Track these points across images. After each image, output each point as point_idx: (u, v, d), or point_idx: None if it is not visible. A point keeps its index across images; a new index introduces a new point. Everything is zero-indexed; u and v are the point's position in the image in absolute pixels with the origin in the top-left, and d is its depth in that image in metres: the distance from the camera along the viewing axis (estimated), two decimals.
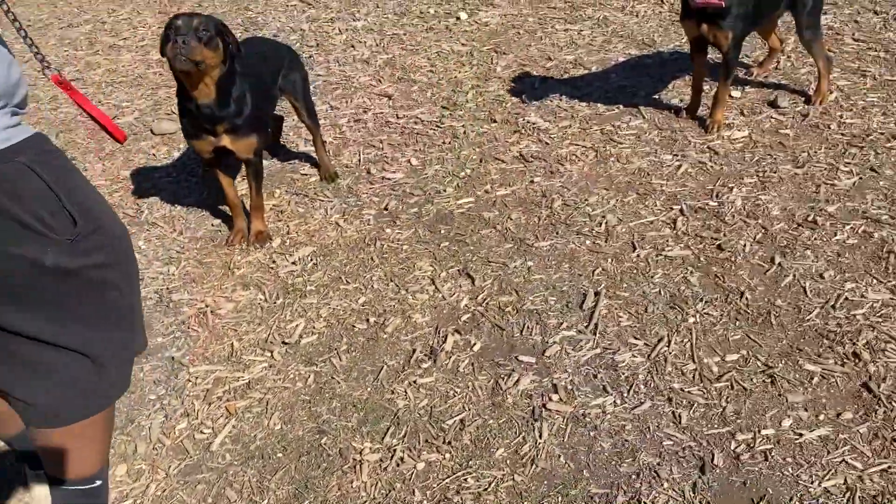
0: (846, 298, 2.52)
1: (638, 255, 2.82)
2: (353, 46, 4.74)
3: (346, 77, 4.37)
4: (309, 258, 2.97)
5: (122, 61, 4.81)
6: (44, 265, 1.30)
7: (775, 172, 3.18)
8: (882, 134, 3.34)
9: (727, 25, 3.27)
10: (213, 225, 3.22)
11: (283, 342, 2.57)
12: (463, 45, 4.64)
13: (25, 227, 1.27)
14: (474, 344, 2.50)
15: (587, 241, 2.93)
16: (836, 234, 2.80)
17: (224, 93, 2.74)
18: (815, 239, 2.80)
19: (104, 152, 3.83)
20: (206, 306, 2.75)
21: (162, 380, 2.48)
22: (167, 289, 2.86)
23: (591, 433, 2.14)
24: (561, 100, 3.92)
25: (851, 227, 2.83)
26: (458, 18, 5.01)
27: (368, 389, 2.37)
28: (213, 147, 2.85)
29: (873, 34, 4.24)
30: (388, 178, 3.43)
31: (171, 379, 2.48)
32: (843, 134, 3.38)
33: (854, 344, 2.34)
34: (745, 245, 2.81)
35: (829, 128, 3.43)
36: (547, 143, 3.58)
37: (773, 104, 3.64)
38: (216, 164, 2.97)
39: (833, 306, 2.50)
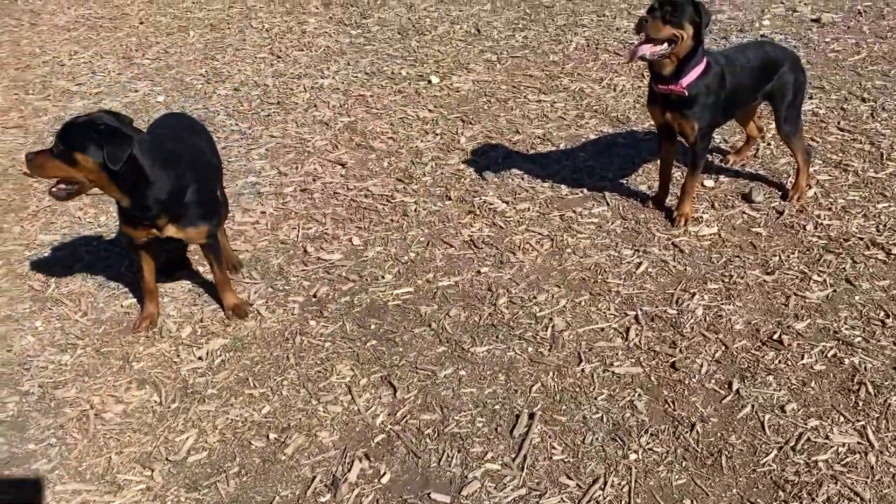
0: (808, 439, 2.22)
1: (583, 370, 2.53)
2: (315, 106, 4.50)
3: (302, 140, 4.12)
4: (218, 353, 2.67)
5: (72, 108, 4.57)
6: None
7: (742, 278, 2.90)
8: (861, 239, 3.07)
9: (693, 115, 3.02)
10: (122, 306, 2.92)
11: (168, 459, 2.26)
12: (430, 111, 4.41)
13: None
14: (383, 474, 2.19)
15: (529, 349, 2.63)
16: (802, 357, 2.52)
17: (138, 192, 2.44)
18: (780, 362, 2.50)
19: (27, 211, 3.56)
20: (92, 407, 2.44)
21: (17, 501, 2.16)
22: (54, 382, 2.56)
23: None
24: (523, 179, 3.66)
25: (820, 350, 2.54)
26: (429, 82, 4.79)
27: None
28: (152, 237, 2.58)
29: (860, 124, 4.00)
30: (325, 259, 3.15)
31: (34, 497, 2.16)
32: (819, 237, 3.11)
33: (813, 499, 2.04)
34: (701, 365, 2.52)
35: (805, 228, 3.16)
36: (501, 228, 3.31)
37: (746, 198, 3.38)
38: (147, 247, 2.68)
39: (793, 448, 2.20)
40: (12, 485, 2.17)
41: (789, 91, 3.23)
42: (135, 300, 2.94)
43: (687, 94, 2.95)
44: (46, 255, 3.25)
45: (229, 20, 5.95)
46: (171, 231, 2.56)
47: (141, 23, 5.95)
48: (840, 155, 3.70)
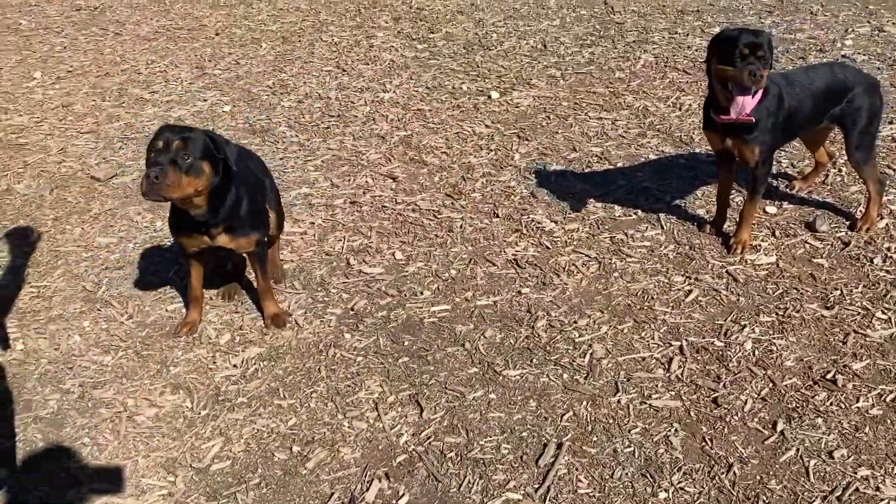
0: (856, 489, 2.06)
1: (619, 401, 2.43)
2: (373, 120, 4.53)
3: (357, 153, 4.15)
4: (253, 361, 2.69)
5: (144, 116, 4.74)
6: None
7: (798, 312, 2.73)
8: None
9: (754, 140, 2.88)
10: (167, 311, 2.98)
11: (192, 466, 2.27)
12: (486, 126, 4.37)
13: None
14: (402, 496, 2.15)
15: (564, 375, 2.55)
16: (857, 400, 2.35)
17: (218, 202, 2.54)
18: (832, 404, 2.34)
19: (89, 214, 3.69)
20: (125, 409, 2.49)
21: (51, 494, 2.22)
22: (94, 383, 2.62)
23: None
24: (574, 197, 3.57)
25: (878, 394, 2.37)
26: (489, 97, 4.75)
27: None
28: (205, 245, 2.66)
29: None
30: (366, 273, 3.14)
31: (61, 493, 2.21)
32: (887, 271, 2.91)
33: None
34: (746, 402, 2.38)
35: (872, 262, 2.96)
36: (548, 248, 3.23)
37: (810, 226, 3.20)
38: (199, 256, 2.76)
39: (839, 498, 2.05)
40: (99, 472, 2.24)
41: (862, 116, 3.04)
42: (180, 305, 3.00)
43: (753, 120, 2.81)
44: (102, 257, 3.35)
45: (301, 33, 6.07)
46: (222, 240, 2.62)
47: (217, 34, 6.14)
48: None
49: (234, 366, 2.67)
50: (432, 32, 5.92)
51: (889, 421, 2.28)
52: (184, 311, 2.95)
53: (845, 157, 3.31)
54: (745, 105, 2.71)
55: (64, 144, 4.42)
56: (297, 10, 6.57)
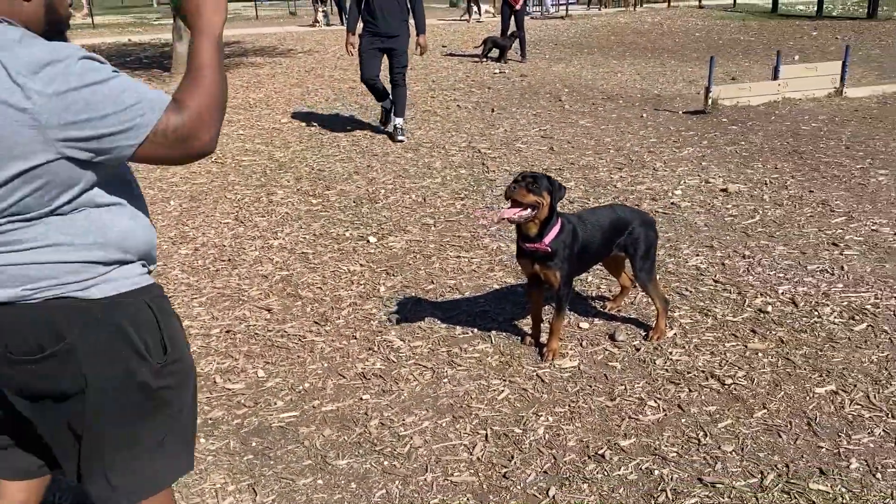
0: None
1: (426, 479, 2.86)
2: (260, 262, 5.09)
3: (240, 290, 4.67)
4: None
5: None
6: (136, 380, 1.69)
7: (587, 403, 3.26)
8: (702, 372, 3.45)
9: (555, 265, 3.52)
10: None
11: None
12: (361, 265, 4.97)
13: (135, 349, 1.69)
14: None
15: (385, 462, 2.98)
16: (619, 469, 2.83)
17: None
18: (597, 472, 2.82)
19: None
20: None
21: None
22: None
23: None
24: (424, 321, 4.12)
25: (637, 463, 2.86)
26: (367, 241, 5.40)
27: None
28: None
29: (734, 276, 4.48)
30: (229, 389, 3.57)
31: None
32: (666, 370, 3.49)
33: None
34: (530, 475, 2.84)
35: (655, 363, 3.55)
36: (394, 362, 3.73)
37: (612, 337, 3.80)
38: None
39: None
40: None
41: (641, 246, 3.74)
42: None
43: (550, 249, 3.47)
44: None
45: (209, 192, 6.73)
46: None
47: None
48: (707, 302, 4.15)
49: None
50: (328, 189, 6.66)
51: (640, 483, 2.76)
52: None
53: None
54: (505, 213, 3.42)
55: None
56: (209, 173, 7.28)
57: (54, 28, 1.66)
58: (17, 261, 1.56)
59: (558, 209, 3.53)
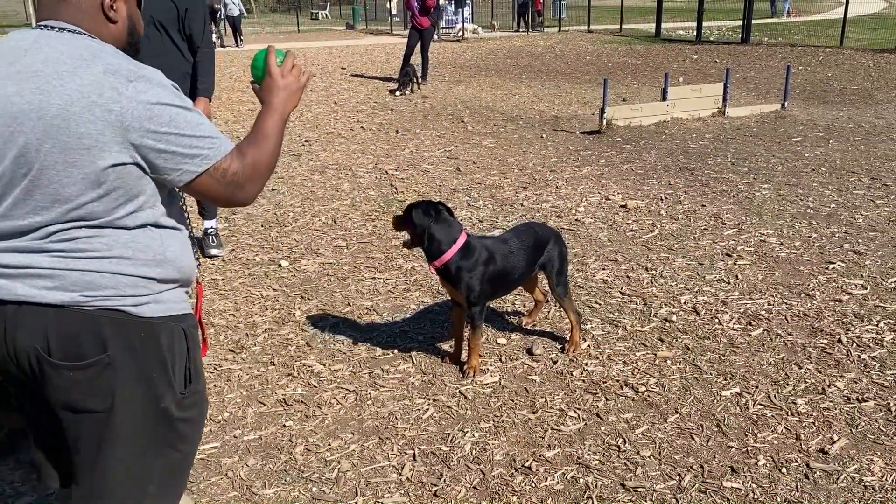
0: None
1: (356, 503, 2.84)
2: None
3: None
4: None
5: None
6: (160, 406, 1.74)
7: (510, 417, 3.33)
8: (617, 381, 3.59)
9: (460, 285, 3.56)
10: None
11: None
12: (274, 290, 4.89)
13: (167, 374, 1.74)
14: None
15: (313, 488, 2.94)
16: (546, 480, 2.91)
17: None
18: (525, 485, 2.89)
19: None
20: None
21: None
22: None
23: None
24: (343, 343, 4.10)
25: (562, 473, 2.94)
26: (279, 265, 5.32)
27: None
28: None
29: (639, 288, 4.69)
30: None
31: None
32: (583, 381, 3.61)
33: None
34: (460, 491, 2.87)
35: (572, 374, 3.67)
36: (315, 387, 3.69)
37: (529, 351, 3.90)
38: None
39: None
40: None
41: (556, 262, 3.86)
42: None
43: (452, 270, 3.51)
44: None
45: None
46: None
47: None
48: (616, 314, 4.32)
49: None
50: (234, 214, 6.52)
51: (567, 492, 2.84)
52: None
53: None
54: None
55: None
56: None
57: (133, 47, 1.82)
58: (81, 267, 1.63)
59: (469, 231, 3.60)
